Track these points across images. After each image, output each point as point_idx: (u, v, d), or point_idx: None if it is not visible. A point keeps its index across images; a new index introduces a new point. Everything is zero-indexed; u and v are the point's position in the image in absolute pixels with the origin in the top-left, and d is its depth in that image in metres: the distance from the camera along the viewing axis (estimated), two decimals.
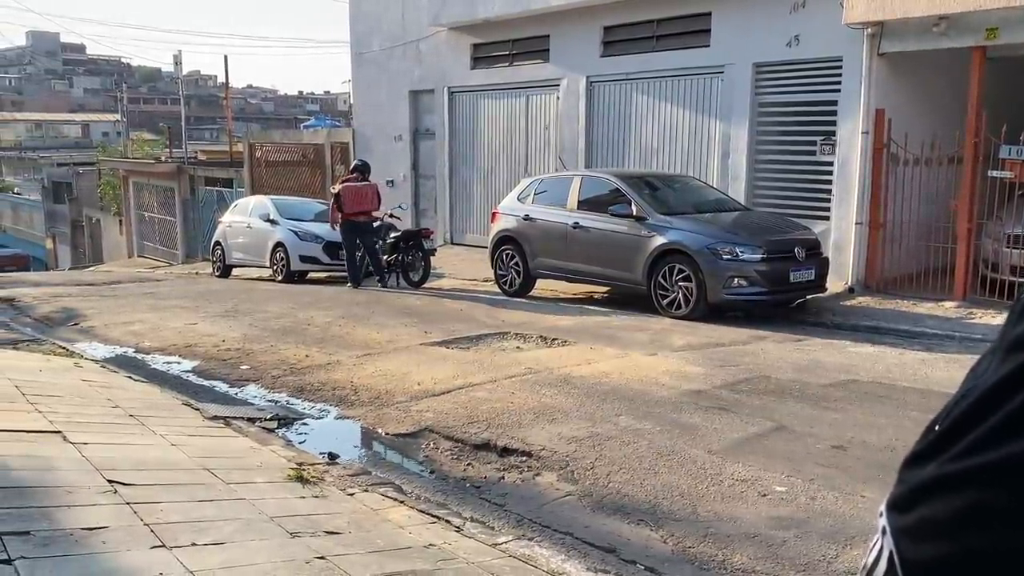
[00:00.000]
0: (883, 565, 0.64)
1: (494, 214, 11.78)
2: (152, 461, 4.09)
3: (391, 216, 13.06)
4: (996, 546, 0.57)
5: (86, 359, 7.04)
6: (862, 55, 10.05)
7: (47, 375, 5.97)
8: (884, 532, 0.65)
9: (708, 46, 12.05)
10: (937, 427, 0.67)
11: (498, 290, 11.43)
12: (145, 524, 3.21)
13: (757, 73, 11.54)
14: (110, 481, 3.62)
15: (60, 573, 2.72)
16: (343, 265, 13.09)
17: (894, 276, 10.22)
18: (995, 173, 9.13)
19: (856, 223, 10.35)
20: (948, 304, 9.32)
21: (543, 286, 11.35)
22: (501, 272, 11.39)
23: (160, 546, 3.03)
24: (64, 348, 7.47)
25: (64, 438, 4.19)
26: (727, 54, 11.76)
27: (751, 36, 11.44)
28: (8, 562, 2.70)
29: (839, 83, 10.62)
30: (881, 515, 0.68)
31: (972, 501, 0.59)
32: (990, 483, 0.58)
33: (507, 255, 11.25)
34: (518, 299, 10.87)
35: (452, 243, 16.46)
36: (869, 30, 9.90)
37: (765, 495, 4.10)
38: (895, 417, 5.34)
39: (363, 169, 12.73)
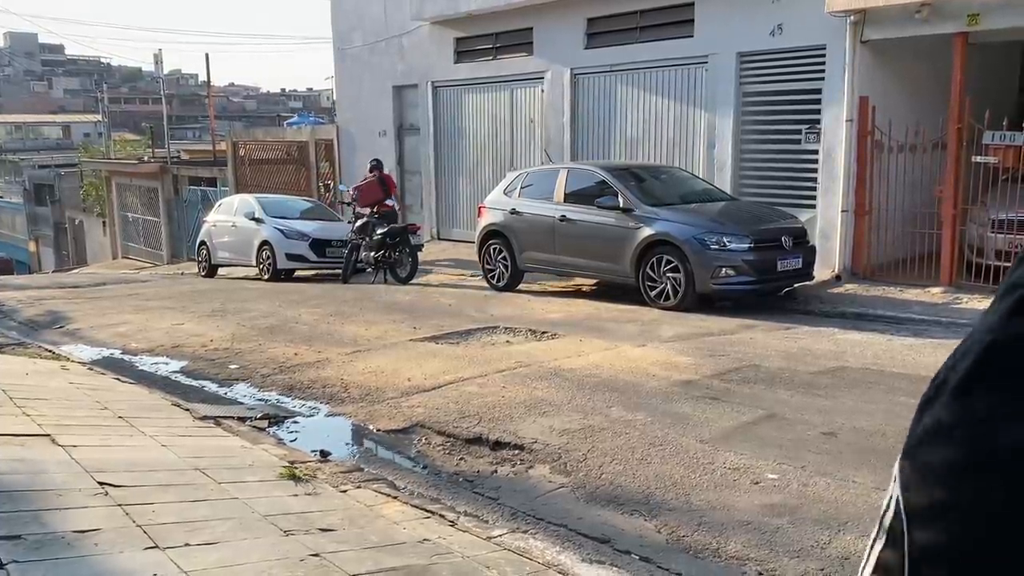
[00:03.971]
0: (891, 511, 0.64)
1: (480, 209, 11.76)
2: (143, 462, 4.06)
3: (376, 214, 13.04)
4: (990, 494, 0.56)
5: (73, 362, 6.99)
6: (845, 43, 10.09)
7: (34, 378, 5.92)
8: (895, 480, 0.65)
9: (692, 36, 12.06)
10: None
11: (486, 285, 11.42)
12: (137, 525, 3.19)
13: (741, 62, 11.56)
14: (101, 483, 3.59)
15: None
16: (329, 262, 13.25)
17: (880, 263, 10.28)
18: (979, 159, 9.19)
19: (842, 211, 10.41)
20: (934, 290, 9.38)
21: (531, 280, 11.35)
22: (489, 267, 11.37)
23: (153, 547, 3.01)
24: (50, 351, 7.41)
25: (53, 441, 4.16)
26: (711, 44, 11.77)
27: (734, 25, 11.45)
28: (0, 567, 2.68)
29: (823, 71, 10.65)
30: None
31: (964, 448, 0.58)
32: (980, 430, 0.58)
33: (494, 249, 11.23)
34: (506, 293, 10.86)
35: (439, 238, 16.43)
36: (852, 18, 9.94)
37: (757, 483, 4.11)
38: (884, 402, 5.37)
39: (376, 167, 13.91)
